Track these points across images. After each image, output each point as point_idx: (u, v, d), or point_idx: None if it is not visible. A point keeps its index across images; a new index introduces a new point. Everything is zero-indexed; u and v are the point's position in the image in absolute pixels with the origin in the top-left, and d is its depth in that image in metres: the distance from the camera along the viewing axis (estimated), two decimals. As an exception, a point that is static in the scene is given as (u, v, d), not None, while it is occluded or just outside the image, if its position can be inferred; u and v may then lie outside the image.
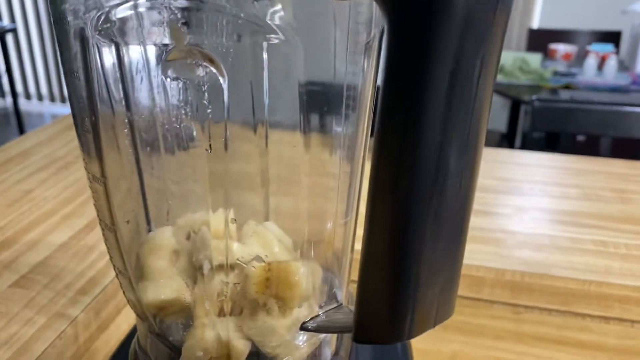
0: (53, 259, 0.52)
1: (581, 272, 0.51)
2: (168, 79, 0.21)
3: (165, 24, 0.19)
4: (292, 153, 0.28)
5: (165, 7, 0.19)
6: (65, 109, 3.51)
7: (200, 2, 0.19)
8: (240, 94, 0.24)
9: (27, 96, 3.63)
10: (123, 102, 0.26)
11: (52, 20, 0.24)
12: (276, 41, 0.21)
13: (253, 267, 0.25)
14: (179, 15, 0.19)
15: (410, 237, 0.19)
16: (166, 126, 0.26)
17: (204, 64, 0.20)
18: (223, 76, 0.20)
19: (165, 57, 0.20)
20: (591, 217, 0.60)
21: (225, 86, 0.20)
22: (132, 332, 0.44)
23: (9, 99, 3.34)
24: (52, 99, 3.62)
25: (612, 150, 1.24)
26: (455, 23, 0.15)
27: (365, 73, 0.26)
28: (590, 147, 1.27)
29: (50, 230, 0.57)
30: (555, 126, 1.18)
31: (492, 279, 0.52)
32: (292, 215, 0.29)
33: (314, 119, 0.26)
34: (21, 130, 2.86)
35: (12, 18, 3.47)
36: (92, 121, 0.23)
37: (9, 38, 3.31)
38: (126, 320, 0.53)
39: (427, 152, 0.18)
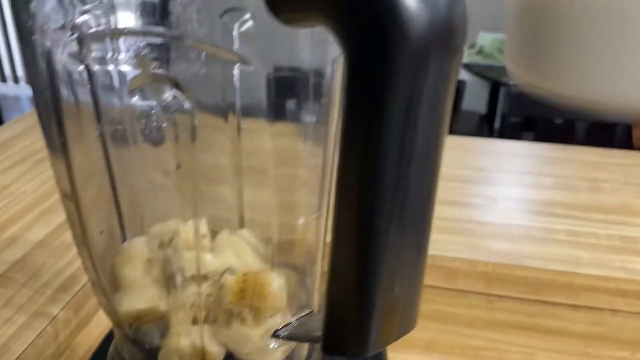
0: (31, 256, 0.53)
1: (552, 262, 0.53)
2: (134, 101, 0.21)
3: (133, 53, 0.20)
4: (264, 144, 0.28)
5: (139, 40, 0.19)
6: (42, 91, 3.44)
7: (174, 38, 0.19)
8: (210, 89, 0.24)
9: (3, 78, 3.56)
10: (94, 115, 0.26)
11: (18, 34, 0.24)
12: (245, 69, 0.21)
13: (221, 279, 0.25)
14: (148, 50, 0.19)
15: (374, 246, 0.19)
16: (138, 134, 0.27)
17: (171, 89, 0.20)
18: (188, 100, 0.20)
19: (130, 83, 0.20)
20: (563, 207, 0.62)
21: (191, 110, 0.21)
22: (112, 332, 0.44)
23: (-16, 82, 3.27)
24: (28, 80, 3.55)
25: (589, 132, 1.26)
26: (410, 57, 0.16)
27: (334, 61, 0.26)
28: (568, 130, 1.29)
29: (29, 226, 0.57)
30: (532, 111, 1.19)
31: (465, 270, 0.54)
32: (264, 209, 0.30)
33: (284, 108, 0.26)
34: (-3, 113, 2.81)
35: (-15, -3, 3.38)
36: (60, 141, 0.23)
37: (-18, 18, 3.23)
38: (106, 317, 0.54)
39: (388, 172, 0.18)
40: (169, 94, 0.21)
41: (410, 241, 0.20)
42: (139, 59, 0.20)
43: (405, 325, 0.22)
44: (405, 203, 0.20)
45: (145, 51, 0.19)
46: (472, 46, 2.27)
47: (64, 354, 0.47)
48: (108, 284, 0.28)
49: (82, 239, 0.26)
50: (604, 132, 1.25)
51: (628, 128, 1.17)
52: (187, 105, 0.20)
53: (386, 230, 0.20)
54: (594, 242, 0.55)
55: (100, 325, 0.52)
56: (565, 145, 0.79)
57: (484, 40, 2.17)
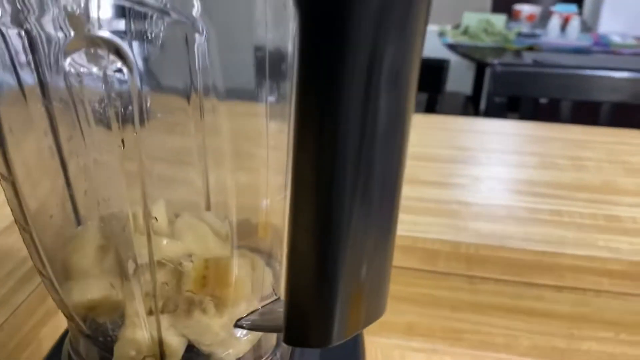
0: (-5, 244, 0.50)
1: (536, 243, 0.51)
2: (71, 69, 0.19)
3: (64, 13, 0.17)
4: (227, 124, 0.26)
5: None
6: None
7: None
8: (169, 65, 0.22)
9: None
10: (38, 90, 0.24)
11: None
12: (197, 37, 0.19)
13: (180, 266, 0.23)
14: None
15: (335, 230, 0.17)
16: (87, 107, 0.24)
17: (110, 55, 0.18)
18: (131, 69, 0.18)
19: (63, 47, 0.18)
20: (547, 186, 0.60)
21: (131, 79, 0.18)
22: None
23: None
24: None
25: (574, 112, 1.25)
26: (368, 16, 0.14)
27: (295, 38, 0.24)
28: (552, 110, 1.28)
29: (-8, 213, 0.55)
30: (517, 90, 1.18)
31: (447, 252, 0.52)
32: (228, 191, 0.28)
33: (246, 85, 0.24)
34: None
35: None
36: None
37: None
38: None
39: (349, 147, 0.17)
40: (109, 62, 0.18)
41: (377, 223, 0.19)
42: (71, 20, 0.17)
43: (372, 312, 0.21)
44: (370, 181, 0.18)
45: (79, 11, 0.17)
46: (457, 27, 2.24)
47: (29, 347, 0.45)
48: (57, 274, 0.26)
49: (24, 224, 0.24)
50: (588, 111, 1.24)
51: (613, 107, 1.16)
52: (128, 75, 0.18)
53: (349, 211, 0.18)
54: (579, 222, 0.54)
55: (68, 314, 0.50)
56: (550, 123, 0.78)
57: (469, 21, 2.15)
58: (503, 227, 0.54)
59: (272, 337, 0.29)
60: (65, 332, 0.42)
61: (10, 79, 0.23)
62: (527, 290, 0.53)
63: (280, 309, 0.26)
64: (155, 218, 0.23)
